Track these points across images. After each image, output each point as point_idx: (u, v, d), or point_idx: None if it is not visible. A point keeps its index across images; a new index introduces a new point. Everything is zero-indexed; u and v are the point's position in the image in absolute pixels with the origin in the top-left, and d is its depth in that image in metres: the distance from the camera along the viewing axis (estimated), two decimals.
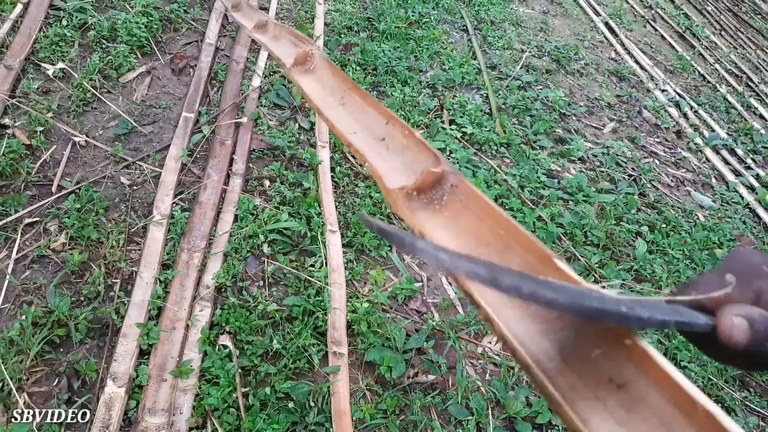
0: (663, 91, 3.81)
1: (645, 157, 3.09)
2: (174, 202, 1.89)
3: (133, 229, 1.77)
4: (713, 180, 3.14)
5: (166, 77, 2.40)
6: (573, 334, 0.41)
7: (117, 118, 2.12)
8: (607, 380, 0.38)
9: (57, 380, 1.40)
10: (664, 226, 2.56)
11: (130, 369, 1.42)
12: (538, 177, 2.57)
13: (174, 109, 2.26)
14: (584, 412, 0.37)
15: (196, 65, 2.49)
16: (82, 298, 1.56)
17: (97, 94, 2.16)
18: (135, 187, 1.91)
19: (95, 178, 1.88)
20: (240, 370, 1.51)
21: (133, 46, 2.40)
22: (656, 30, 4.68)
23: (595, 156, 2.90)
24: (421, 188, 0.60)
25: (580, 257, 2.23)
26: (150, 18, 2.51)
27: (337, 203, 2.09)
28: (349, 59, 2.85)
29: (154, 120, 2.18)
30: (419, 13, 3.43)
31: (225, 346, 1.56)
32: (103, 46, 2.35)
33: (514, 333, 0.42)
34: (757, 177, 3.26)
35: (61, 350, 1.46)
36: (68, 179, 1.85)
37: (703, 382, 1.98)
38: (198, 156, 2.10)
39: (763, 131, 3.74)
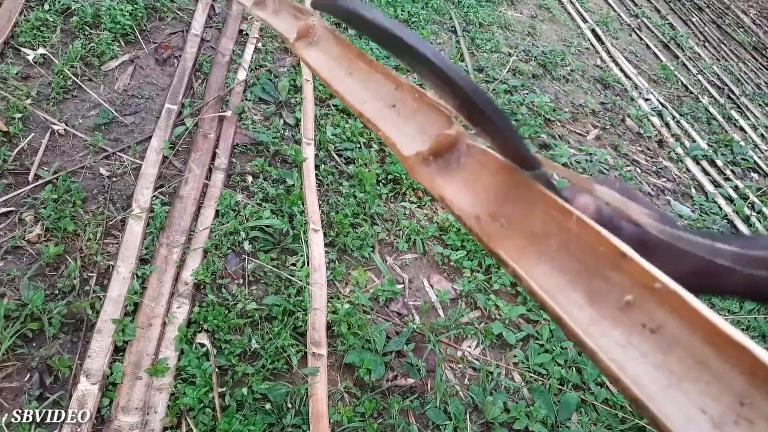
0: (646, 100, 3.85)
1: (627, 165, 3.12)
2: (154, 196, 1.85)
3: (111, 222, 1.73)
4: (693, 190, 3.19)
5: (150, 67, 2.36)
6: (604, 284, 0.42)
7: (98, 107, 2.07)
8: (641, 326, 0.39)
9: (28, 376, 1.36)
10: None
11: (104, 366, 1.39)
12: None
13: (157, 99, 2.22)
14: (620, 359, 0.38)
15: (180, 56, 2.45)
16: (57, 292, 1.53)
17: (78, 82, 2.11)
18: (114, 179, 1.87)
19: (74, 168, 1.84)
20: (217, 370, 1.49)
21: (116, 34, 2.35)
22: (641, 39, 4.73)
23: (579, 162, 2.92)
24: (437, 152, 0.59)
25: None
26: (135, 5, 2.46)
27: (320, 201, 2.08)
28: None
29: (135, 110, 2.14)
30: (408, 12, 3.42)
31: (202, 345, 1.54)
32: (86, 33, 2.29)
33: (543, 286, 0.43)
34: (736, 188, 3.31)
35: (34, 345, 1.42)
36: (46, 168, 1.80)
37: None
38: (180, 149, 2.07)
39: (742, 143, 3.80)
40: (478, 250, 2.15)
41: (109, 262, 1.63)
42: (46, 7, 2.32)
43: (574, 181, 0.56)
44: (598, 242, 0.41)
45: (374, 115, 0.74)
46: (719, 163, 3.49)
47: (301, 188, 2.07)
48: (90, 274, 1.60)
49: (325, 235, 1.97)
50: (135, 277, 1.60)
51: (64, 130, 1.94)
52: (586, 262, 0.42)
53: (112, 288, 1.56)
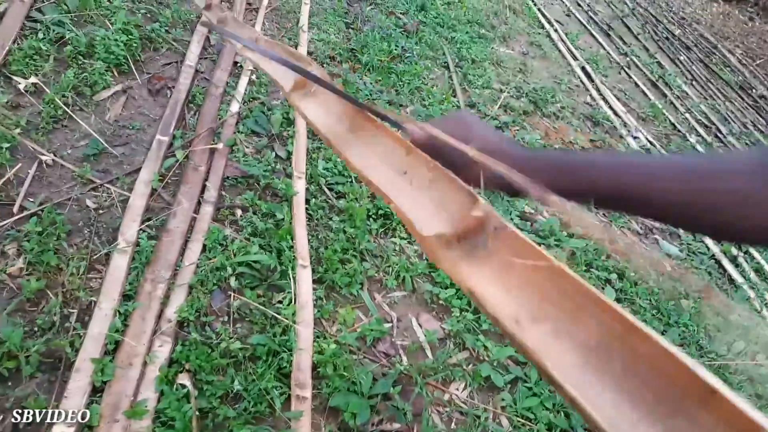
0: (635, 137, 3.89)
1: None
2: (141, 229, 1.83)
3: (95, 256, 1.71)
4: (680, 230, 3.20)
5: (142, 98, 2.35)
6: (690, 426, 0.34)
7: (87, 138, 2.06)
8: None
9: (2, 417, 1.32)
10: (633, 274, 2.59)
11: (81, 407, 1.35)
12: (512, 219, 2.58)
13: (148, 131, 2.21)
14: None
15: (174, 87, 2.45)
16: (36, 329, 1.49)
17: (69, 112, 2.10)
18: (101, 211, 1.85)
19: (60, 199, 1.81)
20: (197, 413, 1.46)
21: (110, 64, 2.35)
22: (630, 77, 4.80)
23: None
24: (462, 235, 0.53)
25: None
26: (130, 36, 2.47)
27: (310, 237, 2.06)
28: None
29: (126, 141, 2.13)
30: (402, 47, 3.46)
31: (183, 386, 1.50)
32: (79, 62, 2.29)
33: (611, 420, 0.36)
34: None
35: (9, 384, 1.38)
36: (31, 200, 1.78)
37: None
38: (169, 181, 2.05)
39: None
40: None
41: (92, 298, 1.60)
42: (41, 35, 2.32)
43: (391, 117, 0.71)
44: (678, 370, 0.34)
45: (384, 183, 0.65)
46: None
47: (290, 223, 2.06)
48: (71, 311, 1.56)
49: (313, 271, 1.95)
50: (117, 314, 1.57)
51: (53, 160, 1.92)
52: (661, 393, 0.35)
53: (93, 325, 1.52)
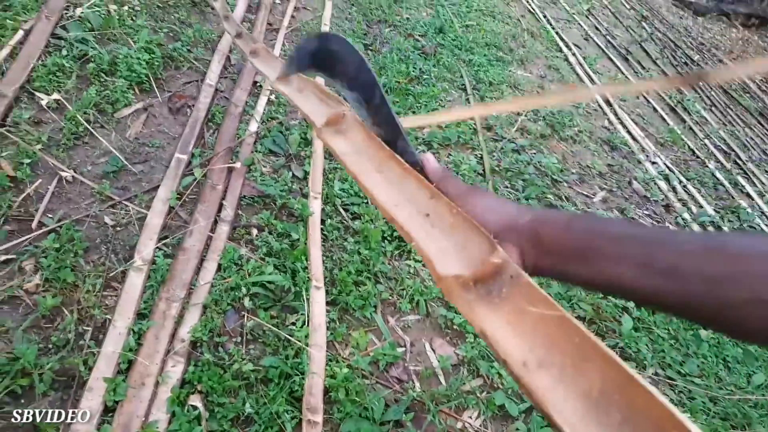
0: (653, 163, 3.86)
1: None
2: (157, 247, 1.84)
3: (111, 274, 1.71)
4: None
5: (163, 116, 2.38)
6: None
7: (108, 155, 2.08)
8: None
9: None
10: None
11: (92, 428, 1.35)
12: None
13: (167, 149, 2.23)
14: None
15: (194, 105, 2.47)
16: (51, 346, 1.49)
17: (90, 129, 2.12)
18: (118, 229, 1.86)
19: (78, 216, 1.83)
20: None
21: (132, 82, 2.38)
22: (649, 102, 4.78)
23: None
24: (479, 278, 0.55)
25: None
26: (152, 55, 2.50)
27: (324, 257, 2.05)
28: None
29: (145, 159, 2.15)
30: (420, 69, 3.47)
31: (195, 407, 1.49)
32: (101, 80, 2.32)
33: None
34: None
35: (23, 401, 1.38)
36: (50, 216, 1.79)
37: None
38: (187, 199, 2.06)
39: (749, 210, 3.78)
40: None
41: (107, 316, 1.60)
42: (64, 52, 2.36)
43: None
44: (673, 426, 0.36)
45: (407, 221, 0.67)
46: (726, 229, 3.46)
47: (305, 243, 2.05)
48: (86, 328, 1.56)
49: (327, 292, 1.94)
50: (131, 332, 1.57)
51: (72, 177, 1.94)
52: None
53: (107, 344, 1.52)
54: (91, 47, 2.41)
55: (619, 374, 0.41)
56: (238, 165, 2.27)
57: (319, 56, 0.83)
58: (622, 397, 0.40)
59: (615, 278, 0.54)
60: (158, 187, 2.04)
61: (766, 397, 2.25)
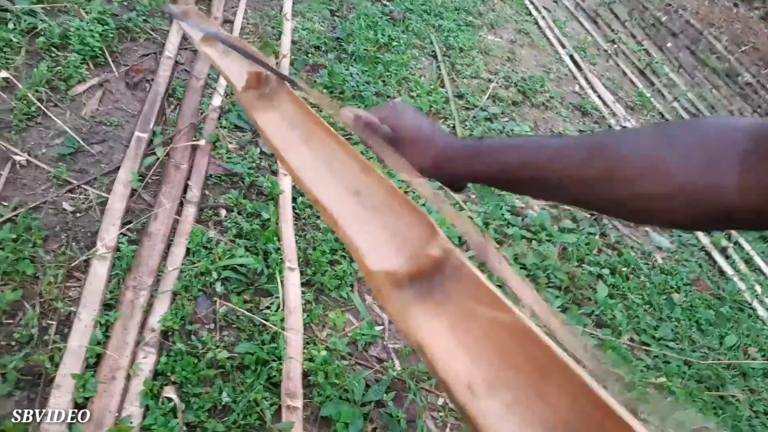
0: (624, 127, 3.86)
1: None
2: (121, 233, 1.75)
3: (73, 264, 1.63)
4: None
5: (120, 91, 2.26)
6: None
7: (63, 135, 1.96)
8: None
9: None
10: (624, 269, 2.57)
11: (63, 428, 1.29)
12: (503, 214, 2.54)
13: (126, 127, 2.12)
14: None
15: (152, 79, 2.35)
16: (14, 343, 1.42)
17: (43, 108, 2.00)
18: (78, 215, 1.77)
19: (35, 203, 1.73)
20: (185, 427, 1.40)
21: (85, 56, 2.25)
22: (618, 65, 4.76)
23: None
24: (416, 274, 0.46)
25: (543, 301, 2.19)
26: (106, 26, 2.36)
27: (297, 237, 2.00)
28: (315, 81, 2.76)
29: (103, 139, 2.04)
30: (389, 36, 3.37)
31: (170, 399, 1.44)
32: (53, 55, 2.18)
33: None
34: None
35: None
36: (5, 204, 1.69)
37: None
38: (150, 181, 1.97)
39: None
40: None
41: (71, 308, 1.53)
42: (11, 25, 2.21)
43: (325, 104, 0.70)
44: None
45: (334, 203, 0.58)
46: None
47: (277, 223, 1.99)
48: (50, 322, 1.49)
49: (301, 273, 1.89)
50: (98, 324, 1.50)
51: (27, 160, 1.83)
52: None
53: (72, 338, 1.45)
54: (40, 19, 2.25)
55: (590, 401, 0.33)
56: (202, 142, 2.18)
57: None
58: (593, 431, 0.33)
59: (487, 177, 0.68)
60: (119, 168, 1.94)
61: (738, 358, 2.30)
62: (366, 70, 3.00)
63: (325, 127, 0.70)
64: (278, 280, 1.81)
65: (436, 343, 0.41)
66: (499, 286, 0.45)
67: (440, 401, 1.76)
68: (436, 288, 0.45)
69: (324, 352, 1.66)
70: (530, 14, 4.82)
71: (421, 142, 0.69)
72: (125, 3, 2.62)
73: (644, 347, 2.21)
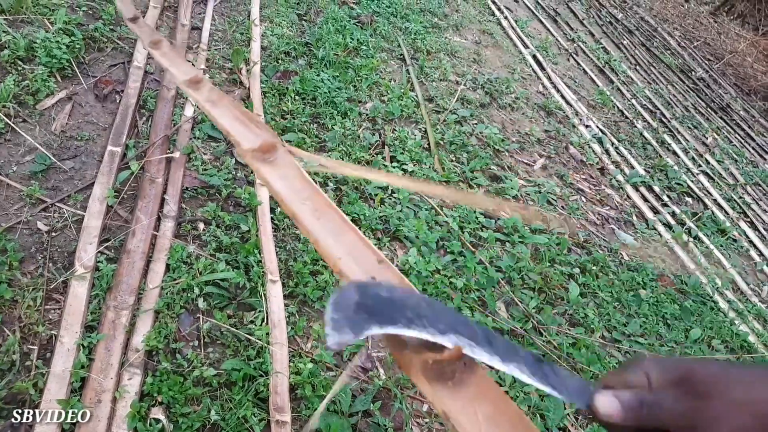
0: (587, 126, 3.97)
1: (572, 195, 3.20)
2: (99, 251, 1.73)
3: (52, 285, 1.60)
4: (634, 217, 3.30)
5: (89, 104, 2.21)
6: None
7: (33, 152, 1.92)
8: None
9: None
10: (594, 267, 2.66)
11: None
12: (477, 217, 2.59)
13: (98, 141, 2.09)
14: None
15: (122, 91, 2.31)
16: None
17: (11, 124, 1.95)
18: (54, 234, 1.74)
19: (9, 224, 1.69)
20: None
21: (52, 69, 2.19)
22: (579, 64, 4.89)
23: (528, 194, 2.97)
24: (439, 361, 0.53)
25: (518, 302, 2.25)
26: (72, 37, 2.31)
27: (277, 249, 2.00)
28: (287, 88, 2.75)
29: (75, 154, 2.00)
30: (357, 40, 3.38)
31: (157, 420, 1.44)
32: (19, 68, 2.13)
33: None
34: (673, 214, 3.46)
35: None
36: None
37: None
38: (125, 196, 1.95)
39: (676, 167, 3.98)
40: (439, 293, 2.13)
41: (52, 332, 1.50)
42: None
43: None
44: None
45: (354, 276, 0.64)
46: (657, 188, 3.64)
47: (256, 235, 1.99)
48: (31, 347, 1.47)
49: (284, 285, 1.89)
50: (81, 347, 1.48)
51: None
52: None
53: (55, 362, 1.43)
54: (4, 31, 2.19)
55: None
56: (176, 154, 2.16)
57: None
58: None
59: None
60: (93, 184, 1.91)
61: (704, 351, 2.41)
62: (337, 76, 3.01)
63: (335, 209, 0.74)
64: (261, 294, 1.82)
65: (458, 415, 0.51)
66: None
67: (425, 407, 1.79)
68: (447, 374, 0.54)
69: (310, 365, 1.68)
70: (493, 14, 4.90)
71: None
72: (90, 12, 2.56)
73: (616, 344, 2.29)
